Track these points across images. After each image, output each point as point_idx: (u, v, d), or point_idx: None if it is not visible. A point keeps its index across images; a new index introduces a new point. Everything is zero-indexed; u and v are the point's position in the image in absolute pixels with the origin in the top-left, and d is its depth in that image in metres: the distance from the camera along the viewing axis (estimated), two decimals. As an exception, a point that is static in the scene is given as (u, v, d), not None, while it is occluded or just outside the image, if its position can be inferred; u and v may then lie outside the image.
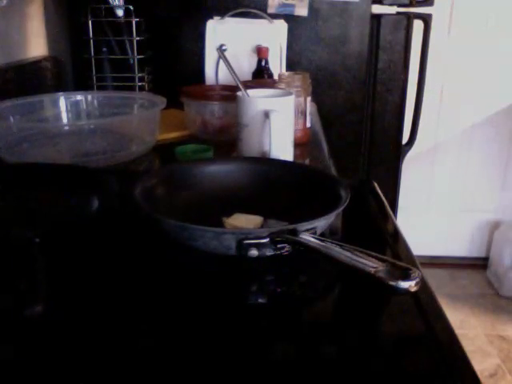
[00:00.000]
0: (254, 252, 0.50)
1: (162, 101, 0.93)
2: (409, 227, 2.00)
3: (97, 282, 0.51)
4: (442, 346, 0.42)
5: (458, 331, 0.42)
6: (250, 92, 0.83)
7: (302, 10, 1.41)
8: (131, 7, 1.18)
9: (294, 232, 0.51)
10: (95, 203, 0.63)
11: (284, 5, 1.39)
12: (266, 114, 0.77)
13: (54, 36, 1.44)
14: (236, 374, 0.38)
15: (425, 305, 0.47)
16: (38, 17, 1.37)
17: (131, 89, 1.22)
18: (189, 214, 0.60)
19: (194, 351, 0.41)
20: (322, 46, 1.45)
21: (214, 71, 1.24)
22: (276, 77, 1.11)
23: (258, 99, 0.80)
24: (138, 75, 1.21)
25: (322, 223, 0.54)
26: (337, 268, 0.52)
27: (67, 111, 1.01)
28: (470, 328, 1.90)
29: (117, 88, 1.22)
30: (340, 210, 0.55)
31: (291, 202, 0.63)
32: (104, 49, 1.23)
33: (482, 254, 2.32)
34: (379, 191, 0.74)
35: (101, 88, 1.22)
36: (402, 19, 1.51)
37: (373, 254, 0.47)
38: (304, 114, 0.97)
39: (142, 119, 0.92)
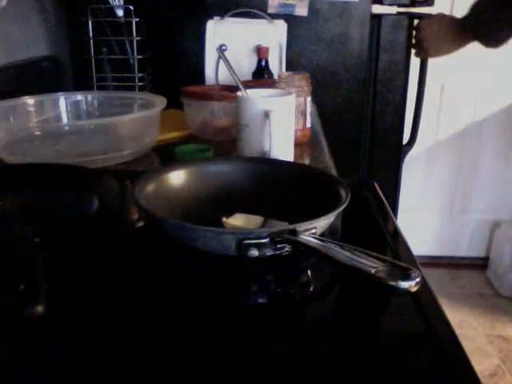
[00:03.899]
0: (253, 252, 0.50)
1: (162, 101, 0.93)
2: (409, 227, 2.01)
3: (97, 282, 0.51)
4: (442, 345, 0.42)
5: (457, 331, 0.42)
6: (250, 92, 0.83)
7: (302, 10, 1.41)
8: (131, 7, 1.18)
9: (294, 232, 0.51)
10: (95, 203, 0.63)
11: (284, 5, 1.39)
12: (266, 114, 0.77)
13: (54, 36, 1.44)
14: (236, 374, 0.38)
15: (425, 305, 0.47)
16: (38, 17, 1.37)
17: (131, 89, 1.22)
18: (189, 213, 0.60)
19: (193, 351, 0.41)
20: (322, 45, 1.45)
21: (214, 71, 1.24)
22: (276, 77, 1.11)
23: (258, 99, 0.80)
24: (138, 75, 1.21)
25: (321, 223, 0.54)
26: (337, 268, 0.52)
27: (67, 111, 1.01)
28: (470, 328, 1.90)
29: (117, 88, 1.22)
30: (340, 209, 0.55)
31: (291, 202, 0.63)
32: (104, 49, 1.22)
33: (482, 254, 2.32)
34: (379, 191, 0.74)
35: (101, 88, 1.22)
36: (402, 19, 1.51)
37: (373, 254, 0.47)
38: (304, 114, 0.97)
39: (142, 119, 0.92)
